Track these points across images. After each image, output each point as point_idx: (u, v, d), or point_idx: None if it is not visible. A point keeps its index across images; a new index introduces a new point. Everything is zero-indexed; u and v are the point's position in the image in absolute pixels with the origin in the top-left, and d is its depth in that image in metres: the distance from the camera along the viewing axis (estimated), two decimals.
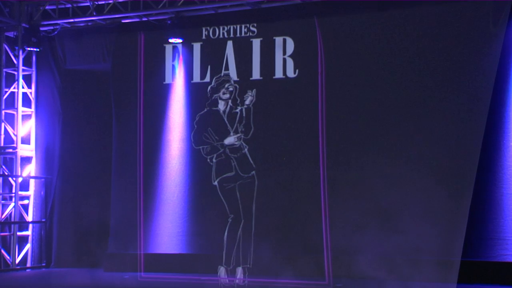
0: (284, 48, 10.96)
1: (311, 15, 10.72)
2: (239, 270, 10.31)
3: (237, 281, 10.02)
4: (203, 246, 11.01)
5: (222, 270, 10.31)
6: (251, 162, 10.67)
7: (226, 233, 10.53)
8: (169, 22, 11.48)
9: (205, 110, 10.95)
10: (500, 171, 9.85)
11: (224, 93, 10.76)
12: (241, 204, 10.56)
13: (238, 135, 10.60)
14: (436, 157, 9.87)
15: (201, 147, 10.88)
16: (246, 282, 9.95)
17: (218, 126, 10.85)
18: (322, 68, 10.46)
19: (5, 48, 12.40)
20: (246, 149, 10.60)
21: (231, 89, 10.76)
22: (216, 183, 10.80)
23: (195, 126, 11.11)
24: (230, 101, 10.81)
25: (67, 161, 12.47)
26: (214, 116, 10.83)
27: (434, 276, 9.45)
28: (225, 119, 10.67)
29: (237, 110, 10.67)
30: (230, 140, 10.67)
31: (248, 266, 10.33)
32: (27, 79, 12.69)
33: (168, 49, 11.72)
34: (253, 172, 10.67)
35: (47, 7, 12.20)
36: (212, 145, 10.72)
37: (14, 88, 12.46)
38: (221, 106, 10.77)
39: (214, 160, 10.78)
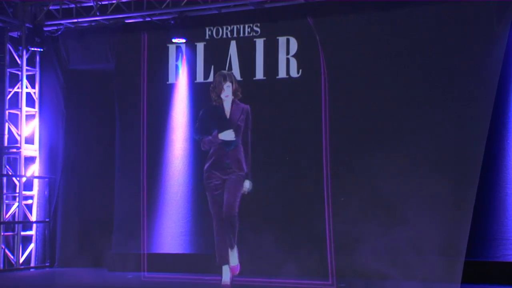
0: (288, 48, 10.95)
1: (314, 15, 10.72)
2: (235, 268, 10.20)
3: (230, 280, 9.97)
4: (207, 246, 10.99)
5: (225, 269, 10.15)
6: (243, 158, 10.36)
7: (215, 235, 10.28)
8: (172, 22, 11.48)
9: (210, 104, 10.55)
10: (504, 171, 9.83)
11: (225, 94, 10.38)
12: (226, 202, 10.18)
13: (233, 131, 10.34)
14: (440, 157, 9.85)
15: (200, 138, 10.56)
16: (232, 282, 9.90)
17: (220, 121, 10.46)
18: (323, 68, 10.45)
19: (9, 48, 12.42)
20: (240, 145, 10.38)
21: (229, 86, 10.49)
22: (204, 170, 10.43)
23: (198, 120, 10.83)
24: (232, 97, 10.57)
25: (70, 161, 12.49)
26: (217, 111, 10.41)
27: (438, 276, 9.44)
28: (228, 116, 10.38)
29: (240, 108, 10.40)
30: (225, 135, 10.31)
31: (239, 264, 10.22)
32: (31, 79, 12.71)
33: (172, 49, 11.72)
34: (245, 169, 10.33)
35: (50, 7, 12.21)
36: (209, 138, 10.39)
37: (18, 88, 12.47)
38: (225, 102, 10.42)
39: (210, 152, 10.41)
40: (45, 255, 12.50)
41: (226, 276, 10.05)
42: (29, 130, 12.61)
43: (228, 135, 10.29)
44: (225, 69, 11.17)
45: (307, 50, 10.75)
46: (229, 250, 10.17)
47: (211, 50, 11.46)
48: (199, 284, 10.21)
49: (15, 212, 12.33)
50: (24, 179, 12.42)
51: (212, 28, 11.46)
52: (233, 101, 10.41)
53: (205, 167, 10.44)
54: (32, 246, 12.48)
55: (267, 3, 11.02)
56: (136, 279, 10.77)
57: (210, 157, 10.39)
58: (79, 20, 12.10)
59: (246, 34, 11.25)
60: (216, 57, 11.40)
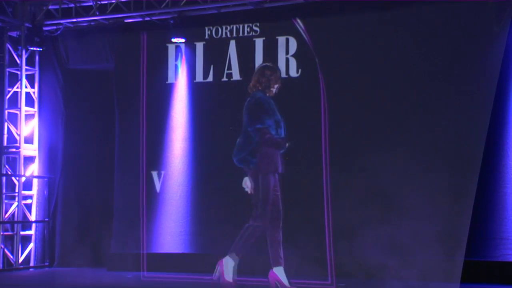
0: (287, 47, 10.95)
1: (313, 14, 10.72)
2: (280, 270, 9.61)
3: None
4: (206, 246, 11.00)
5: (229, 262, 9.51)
6: None
7: (249, 234, 9.68)
8: (171, 21, 11.48)
9: (264, 94, 9.80)
10: (503, 171, 9.85)
11: (278, 86, 9.89)
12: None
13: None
14: (440, 156, 9.86)
15: (263, 128, 9.76)
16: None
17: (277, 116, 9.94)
18: (319, 68, 10.47)
19: (8, 48, 12.41)
20: None
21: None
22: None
23: (267, 108, 9.82)
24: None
25: (70, 160, 12.49)
26: (273, 103, 9.84)
27: (437, 276, 9.45)
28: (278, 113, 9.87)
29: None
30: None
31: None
32: (30, 79, 12.70)
33: (171, 48, 11.73)
34: None
35: (50, 7, 12.20)
36: (278, 140, 9.78)
37: (17, 87, 12.47)
38: (270, 95, 9.88)
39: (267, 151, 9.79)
40: (44, 254, 12.50)
41: (228, 272, 9.60)
42: (29, 129, 12.61)
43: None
44: (224, 69, 11.19)
45: (307, 50, 10.75)
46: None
47: (211, 49, 11.46)
48: (199, 284, 10.19)
49: (14, 212, 12.32)
50: (23, 179, 12.42)
51: (211, 27, 11.47)
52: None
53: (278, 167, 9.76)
54: (31, 245, 12.47)
55: (266, 3, 11.02)
56: (136, 278, 10.77)
57: (264, 156, 9.69)
58: (79, 19, 12.10)
59: (246, 33, 11.25)
60: (215, 56, 11.40)
